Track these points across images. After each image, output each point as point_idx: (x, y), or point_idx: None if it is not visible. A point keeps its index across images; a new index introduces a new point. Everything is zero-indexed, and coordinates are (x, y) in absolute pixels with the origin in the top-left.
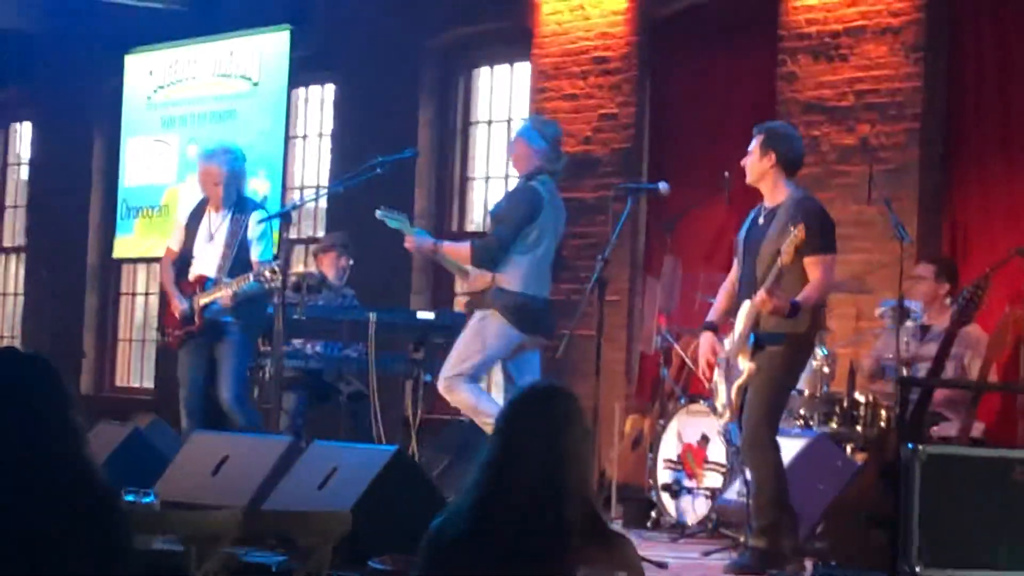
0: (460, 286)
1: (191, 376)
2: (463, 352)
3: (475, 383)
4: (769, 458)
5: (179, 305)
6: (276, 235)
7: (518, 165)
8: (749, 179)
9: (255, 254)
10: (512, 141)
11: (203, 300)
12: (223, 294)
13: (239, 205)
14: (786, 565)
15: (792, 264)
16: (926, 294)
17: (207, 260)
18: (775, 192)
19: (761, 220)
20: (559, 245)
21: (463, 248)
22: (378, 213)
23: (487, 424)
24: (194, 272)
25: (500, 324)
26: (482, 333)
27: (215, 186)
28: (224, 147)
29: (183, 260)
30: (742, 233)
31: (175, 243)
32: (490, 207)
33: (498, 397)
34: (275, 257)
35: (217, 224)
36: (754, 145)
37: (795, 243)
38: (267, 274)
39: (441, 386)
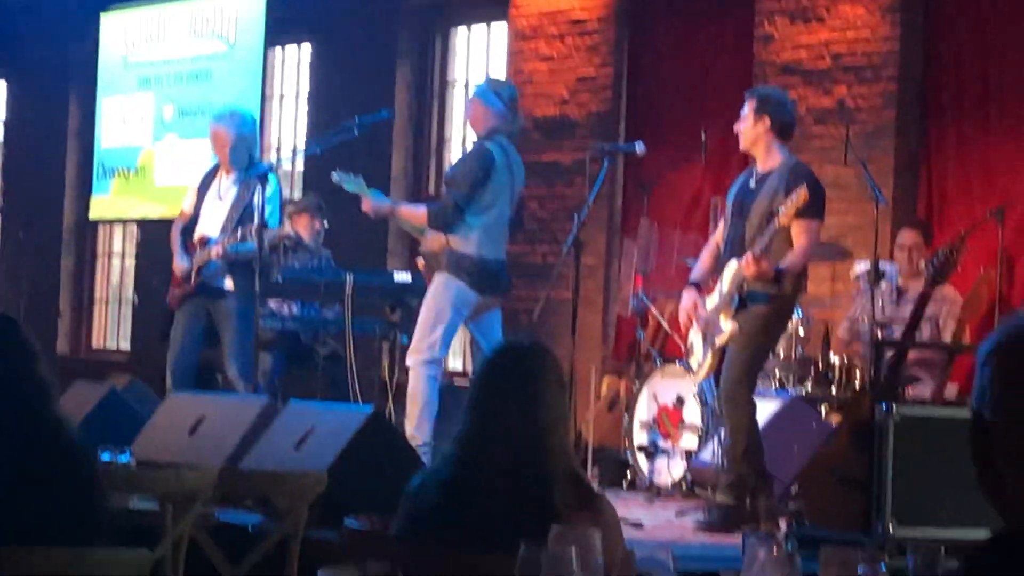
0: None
1: (182, 337)
2: (425, 324)
3: (436, 372)
4: (743, 415)
5: (180, 264)
6: None
7: (475, 126)
8: (743, 144)
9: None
10: (468, 102)
11: (200, 259)
12: (215, 250)
13: (249, 169)
14: (760, 525)
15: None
16: (917, 260)
17: (212, 221)
18: (768, 157)
19: (752, 184)
20: (518, 205)
21: (419, 211)
22: (334, 176)
23: (412, 416)
24: (198, 232)
25: (456, 287)
26: (439, 300)
27: (223, 148)
28: (233, 110)
29: (192, 222)
30: (731, 195)
31: (187, 205)
32: None
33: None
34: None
35: (227, 187)
36: (747, 110)
37: (797, 205)
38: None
39: (408, 360)
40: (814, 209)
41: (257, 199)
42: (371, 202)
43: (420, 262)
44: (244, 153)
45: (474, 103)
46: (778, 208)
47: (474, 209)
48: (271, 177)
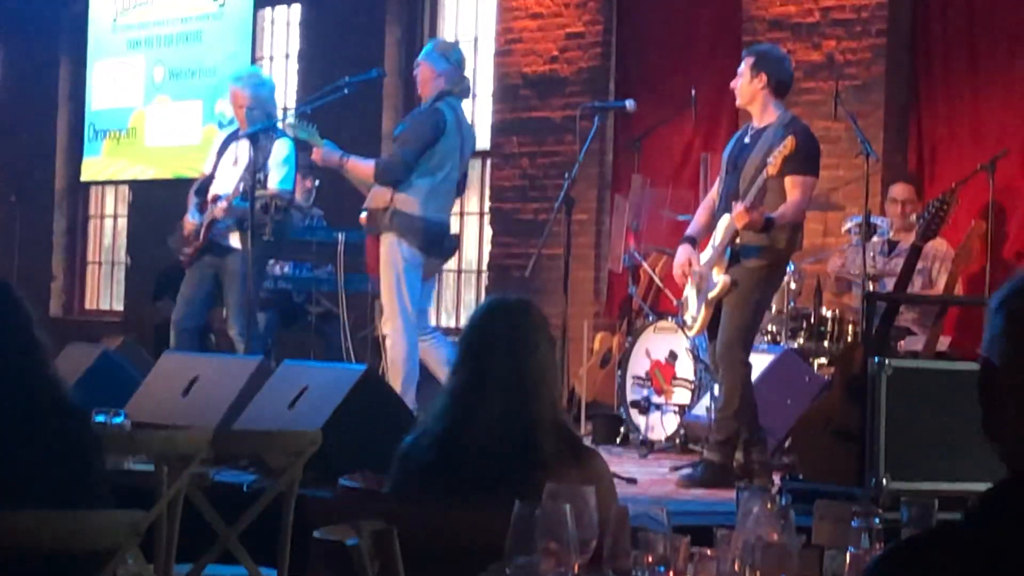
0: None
1: (188, 295)
2: (390, 291)
3: (413, 336)
4: (737, 375)
5: (190, 221)
6: None
7: (423, 89)
8: (740, 101)
9: (273, 180)
10: (415, 66)
11: (208, 216)
12: (220, 206)
13: (266, 131)
14: (753, 479)
15: (776, 178)
16: (910, 213)
17: (226, 181)
18: (764, 113)
19: (748, 139)
20: (465, 169)
21: (368, 165)
22: (288, 122)
23: (395, 385)
24: (212, 191)
25: (404, 247)
26: (394, 264)
27: (240, 109)
28: (251, 72)
29: (208, 181)
30: (727, 150)
31: (207, 165)
32: None
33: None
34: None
35: (243, 148)
36: (744, 67)
37: (784, 153)
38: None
39: (384, 329)
40: (808, 164)
41: (272, 160)
42: (322, 152)
43: (362, 217)
44: (261, 114)
45: (421, 66)
46: (768, 158)
47: (422, 169)
48: (286, 140)
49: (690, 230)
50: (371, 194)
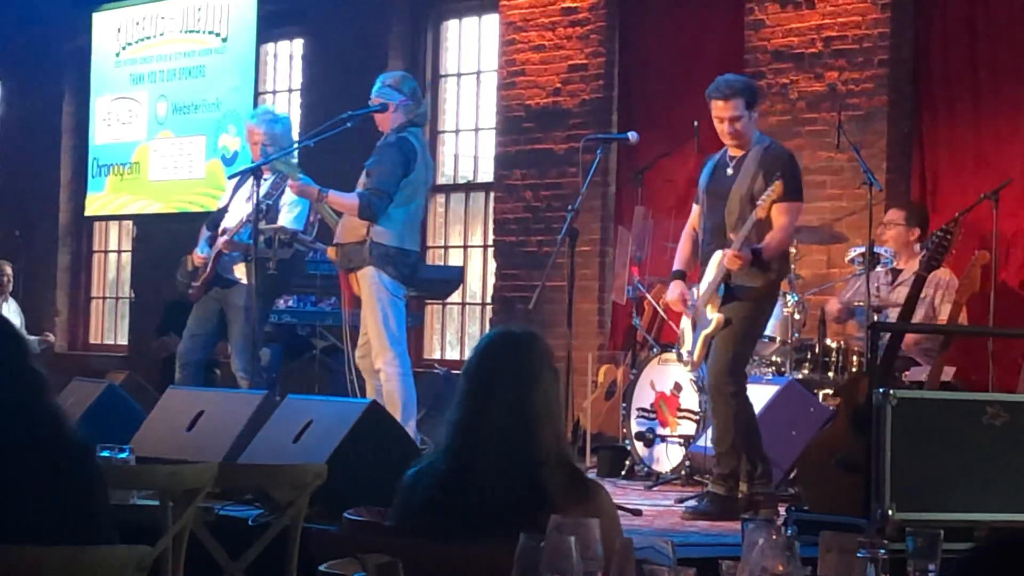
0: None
1: (193, 329)
2: (377, 324)
3: (407, 367)
4: (730, 408)
5: (199, 255)
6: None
7: (383, 125)
8: (738, 142)
9: (284, 219)
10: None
11: (215, 249)
12: (224, 239)
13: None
14: (759, 510)
15: (765, 219)
16: (896, 240)
17: (237, 215)
18: (745, 140)
19: (730, 170)
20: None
21: (351, 200)
22: (270, 155)
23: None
24: (222, 225)
25: (387, 280)
26: (379, 296)
27: (255, 145)
28: (266, 110)
29: (220, 214)
30: (705, 179)
31: (222, 199)
32: (459, 160)
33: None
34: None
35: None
36: (736, 111)
37: (773, 198)
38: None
39: (376, 364)
40: (793, 192)
41: (285, 198)
42: (298, 184)
43: (331, 252)
44: (276, 151)
45: (375, 103)
46: (756, 196)
47: (397, 200)
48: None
49: (677, 264)
50: (342, 228)
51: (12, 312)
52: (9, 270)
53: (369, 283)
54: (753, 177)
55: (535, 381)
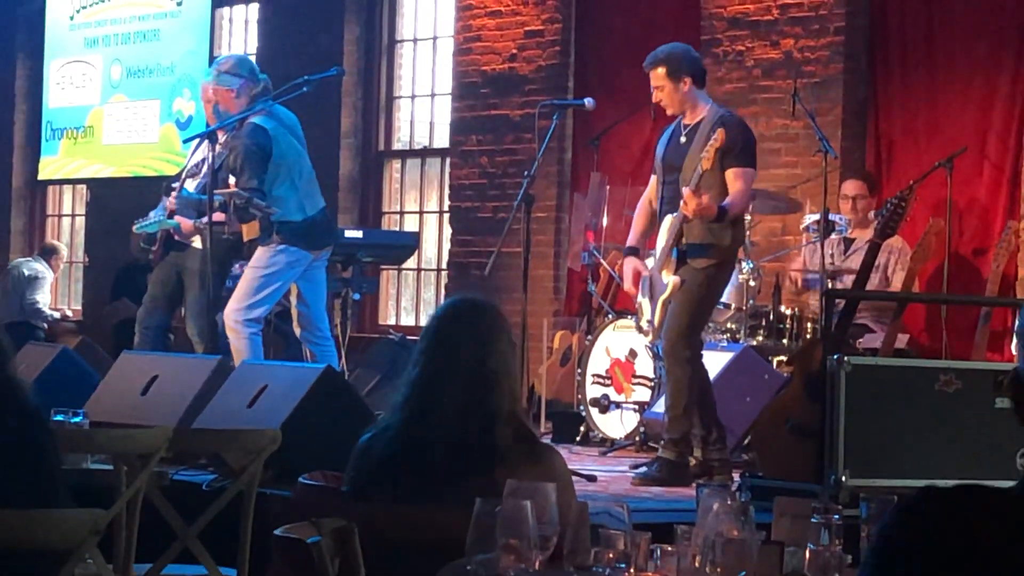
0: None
1: (151, 293)
2: (252, 285)
3: (258, 331)
4: (685, 372)
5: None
6: None
7: (230, 108)
8: (671, 111)
9: (236, 180)
10: (209, 92)
11: (167, 212)
12: (170, 200)
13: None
14: (713, 476)
15: (712, 171)
16: (865, 210)
17: (194, 181)
18: (695, 110)
19: (683, 139)
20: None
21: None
22: (135, 229)
23: None
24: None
25: (294, 252)
26: (277, 266)
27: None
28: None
29: (175, 179)
30: (660, 151)
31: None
32: (415, 126)
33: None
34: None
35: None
36: (660, 80)
37: (715, 146)
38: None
39: (228, 319)
40: (745, 156)
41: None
42: (182, 227)
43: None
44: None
45: (216, 93)
46: (701, 155)
47: (279, 182)
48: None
49: (631, 240)
50: (245, 228)
51: None
52: None
53: (273, 254)
54: (705, 143)
55: (491, 346)
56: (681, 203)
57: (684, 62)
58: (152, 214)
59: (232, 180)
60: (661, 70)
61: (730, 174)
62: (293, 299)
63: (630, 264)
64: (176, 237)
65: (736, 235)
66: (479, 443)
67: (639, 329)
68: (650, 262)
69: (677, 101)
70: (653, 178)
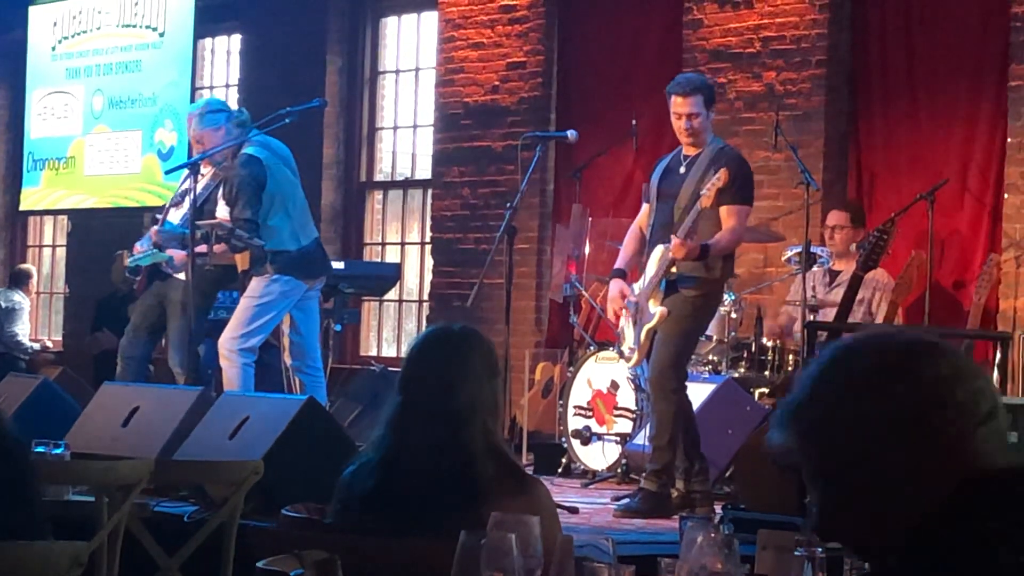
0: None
1: (134, 323)
2: (246, 315)
3: (251, 361)
4: (671, 403)
5: (138, 248)
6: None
7: (218, 146)
8: (691, 140)
9: (222, 213)
10: (196, 137)
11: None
12: (153, 231)
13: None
14: (696, 508)
15: (710, 208)
16: (845, 242)
17: (179, 212)
18: (701, 139)
19: (682, 168)
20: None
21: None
22: (128, 262)
23: None
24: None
25: (288, 282)
26: (272, 297)
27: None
28: (203, 104)
29: (164, 210)
30: (655, 178)
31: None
32: (397, 157)
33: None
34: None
35: (200, 178)
36: (695, 108)
37: (717, 186)
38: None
39: (223, 348)
40: (742, 193)
41: (218, 191)
42: (174, 258)
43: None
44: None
45: (204, 136)
46: (702, 190)
47: (273, 213)
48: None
49: (619, 263)
50: (238, 259)
51: None
52: None
53: (267, 285)
54: (704, 173)
55: (466, 375)
56: (671, 244)
57: (715, 93)
58: (139, 245)
59: (223, 211)
60: (699, 98)
61: (724, 211)
62: (286, 328)
63: (616, 285)
64: (168, 270)
65: (725, 267)
66: (457, 474)
67: (621, 355)
68: (636, 287)
69: (705, 130)
70: (645, 205)
